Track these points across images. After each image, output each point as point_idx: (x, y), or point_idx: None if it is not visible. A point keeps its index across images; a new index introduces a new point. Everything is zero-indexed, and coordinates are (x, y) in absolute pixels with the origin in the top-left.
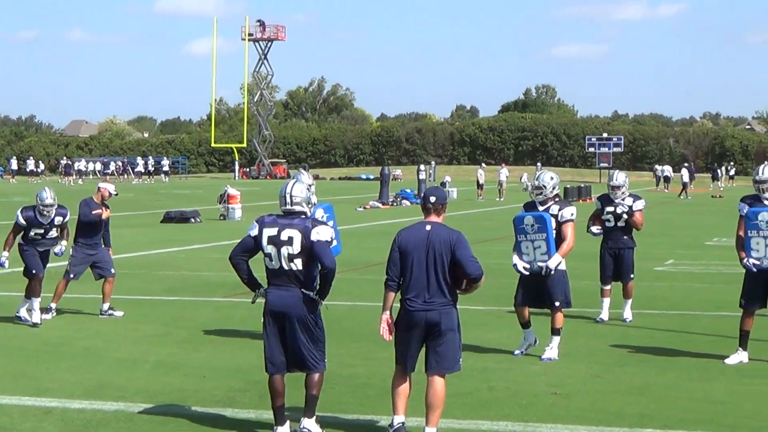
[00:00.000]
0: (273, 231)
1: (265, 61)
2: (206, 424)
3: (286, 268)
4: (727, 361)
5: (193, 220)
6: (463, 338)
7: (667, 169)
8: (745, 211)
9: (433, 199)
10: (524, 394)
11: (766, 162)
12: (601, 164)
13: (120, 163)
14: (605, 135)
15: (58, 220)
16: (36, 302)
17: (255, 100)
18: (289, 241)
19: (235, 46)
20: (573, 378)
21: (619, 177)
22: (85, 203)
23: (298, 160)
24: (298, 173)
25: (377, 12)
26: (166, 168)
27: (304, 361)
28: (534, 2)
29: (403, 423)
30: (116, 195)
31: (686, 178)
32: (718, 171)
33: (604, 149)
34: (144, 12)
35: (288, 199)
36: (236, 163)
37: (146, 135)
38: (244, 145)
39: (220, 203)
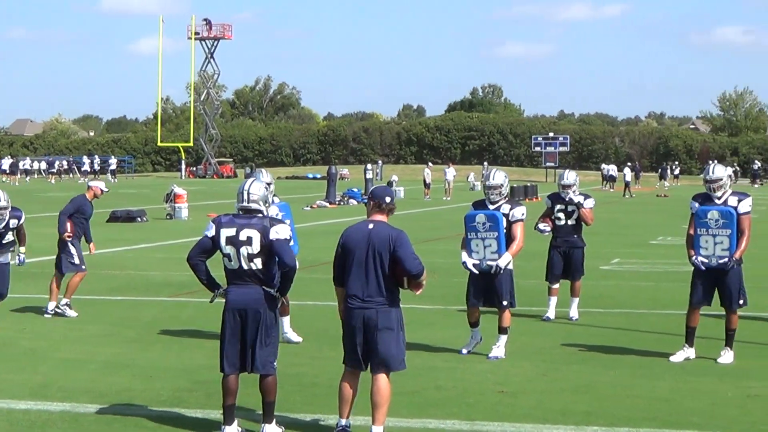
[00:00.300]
0: (231, 231)
1: (212, 60)
2: (153, 424)
3: (245, 268)
4: (672, 358)
5: (139, 219)
6: (410, 337)
7: (612, 169)
8: (695, 209)
9: (388, 199)
10: (471, 392)
11: (713, 161)
12: (548, 163)
13: (65, 162)
14: (551, 134)
15: (13, 222)
16: None
17: (201, 99)
18: (248, 241)
19: (181, 44)
20: (519, 376)
21: (570, 176)
22: (78, 202)
23: (245, 159)
24: (258, 172)
25: (324, 11)
26: (113, 167)
27: (255, 361)
28: (480, 2)
29: (344, 428)
30: (107, 191)
31: (628, 178)
32: (667, 170)
33: (551, 148)
34: (90, 10)
35: (245, 197)
36: (183, 162)
37: (92, 134)
38: (191, 144)
39: (166, 202)
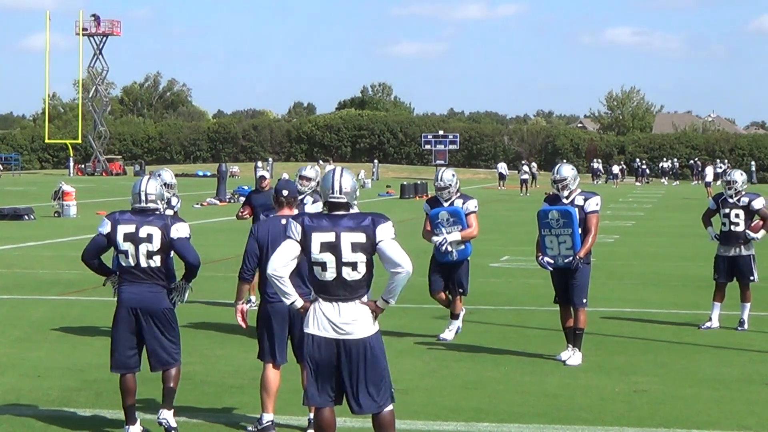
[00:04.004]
0: (129, 228)
1: (100, 57)
2: (42, 424)
3: (143, 265)
4: (560, 356)
5: (26, 217)
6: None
7: (502, 167)
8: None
9: (285, 192)
10: None
11: (562, 161)
12: (437, 161)
13: None
14: (441, 132)
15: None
16: None
17: (90, 95)
18: (148, 238)
19: (70, 40)
20: (410, 374)
21: (446, 176)
22: None
23: (134, 156)
24: (161, 170)
25: (214, 7)
26: None
27: (162, 357)
28: (375, 0)
29: (272, 421)
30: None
31: (526, 176)
32: None
33: (440, 146)
34: None
35: (142, 197)
36: (71, 159)
37: None
38: (79, 141)
39: (54, 200)
